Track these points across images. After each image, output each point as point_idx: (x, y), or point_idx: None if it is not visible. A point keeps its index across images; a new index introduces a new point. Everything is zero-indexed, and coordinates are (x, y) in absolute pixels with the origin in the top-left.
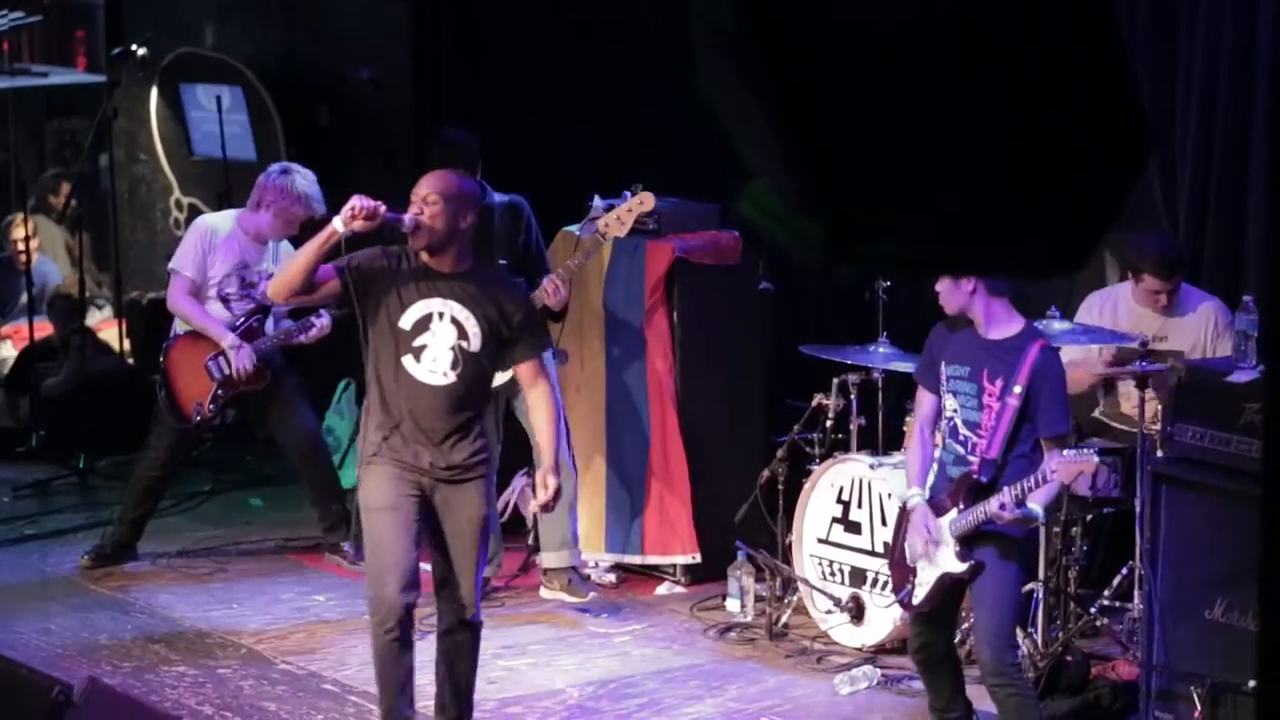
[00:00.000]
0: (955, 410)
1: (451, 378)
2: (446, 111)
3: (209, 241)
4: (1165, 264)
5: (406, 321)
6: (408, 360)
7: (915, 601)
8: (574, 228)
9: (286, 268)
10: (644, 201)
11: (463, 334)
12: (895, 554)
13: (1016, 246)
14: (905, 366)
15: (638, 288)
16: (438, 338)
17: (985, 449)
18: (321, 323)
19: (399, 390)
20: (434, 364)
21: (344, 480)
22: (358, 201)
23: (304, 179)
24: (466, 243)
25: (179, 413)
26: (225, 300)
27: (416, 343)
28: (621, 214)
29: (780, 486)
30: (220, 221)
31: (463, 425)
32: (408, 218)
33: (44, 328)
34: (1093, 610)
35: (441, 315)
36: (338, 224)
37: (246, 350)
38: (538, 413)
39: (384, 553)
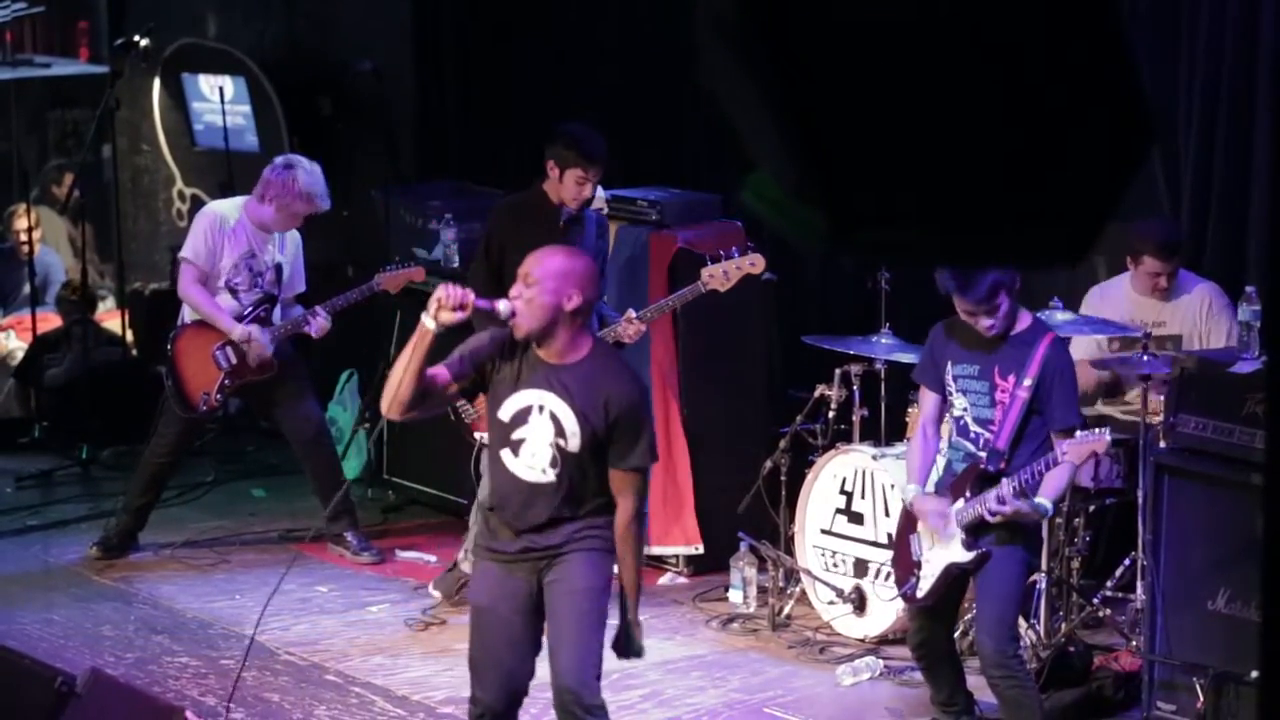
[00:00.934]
0: (965, 409)
1: (550, 476)
2: (449, 102)
3: (218, 230)
4: (1166, 246)
5: (505, 413)
6: (505, 454)
7: (919, 594)
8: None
9: (392, 382)
10: (755, 264)
11: (560, 431)
12: (899, 548)
13: (1018, 236)
14: (908, 357)
15: (641, 279)
16: (536, 432)
17: (994, 440)
18: (319, 321)
19: (500, 481)
20: (533, 460)
21: (347, 471)
22: (444, 292)
23: (307, 174)
24: (579, 327)
25: (185, 401)
26: (234, 291)
27: (515, 436)
28: (730, 269)
29: (783, 477)
30: (229, 210)
31: (566, 519)
32: (503, 304)
33: (47, 319)
34: (1095, 601)
35: (541, 409)
36: (427, 321)
37: (259, 339)
38: (619, 540)
39: (477, 650)
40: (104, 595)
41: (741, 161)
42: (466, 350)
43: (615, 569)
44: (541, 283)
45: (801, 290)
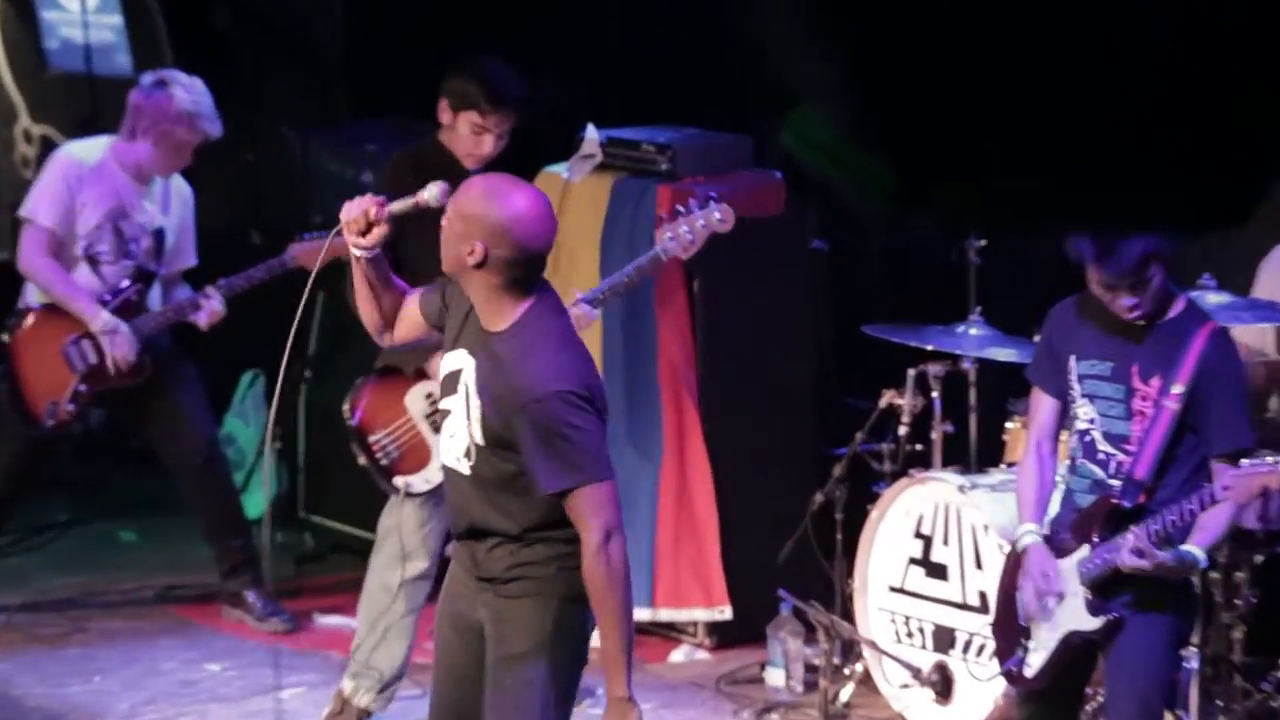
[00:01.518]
0: (1093, 421)
1: (465, 468)
2: (389, 14)
3: (75, 179)
4: None
5: (441, 372)
6: (440, 425)
7: (1028, 674)
8: (559, 168)
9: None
10: (723, 218)
11: (468, 415)
12: (1001, 609)
13: (1162, 195)
14: (1007, 354)
15: (645, 246)
16: (455, 408)
17: (1132, 467)
18: (211, 305)
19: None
20: (451, 441)
21: (249, 507)
22: (345, 213)
23: (186, 91)
24: (497, 287)
25: (26, 413)
26: (94, 261)
27: (443, 404)
28: (693, 227)
29: (838, 515)
30: (88, 153)
31: (501, 537)
32: (431, 189)
33: None
34: (1264, 686)
35: (462, 379)
36: (353, 250)
37: (124, 333)
38: (586, 586)
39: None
40: None
41: (782, 94)
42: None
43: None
44: (450, 220)
45: (862, 265)
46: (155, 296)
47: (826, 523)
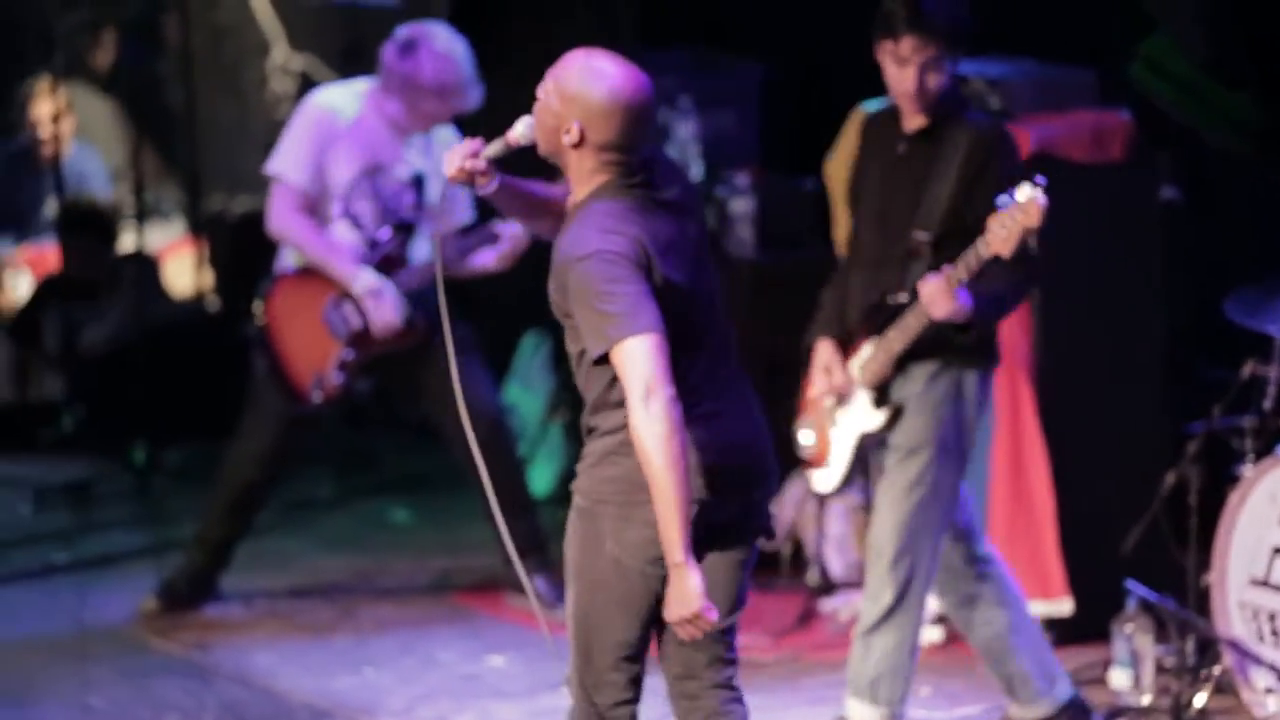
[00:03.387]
0: None
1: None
2: None
3: (328, 133)
4: None
5: None
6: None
7: None
8: (874, 105)
9: None
10: (1029, 210)
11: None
12: None
13: None
14: None
15: None
16: None
17: None
18: (511, 232)
19: None
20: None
21: (535, 483)
22: (446, 165)
23: (436, 61)
24: (589, 171)
25: (289, 388)
26: (355, 222)
27: None
28: (1005, 221)
29: (1192, 499)
30: (343, 101)
31: (590, 430)
32: (520, 125)
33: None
34: None
35: None
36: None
37: (389, 293)
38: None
39: None
40: (168, 668)
41: (1133, 20)
42: None
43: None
44: (547, 95)
45: (1222, 219)
46: (421, 250)
47: (1179, 508)
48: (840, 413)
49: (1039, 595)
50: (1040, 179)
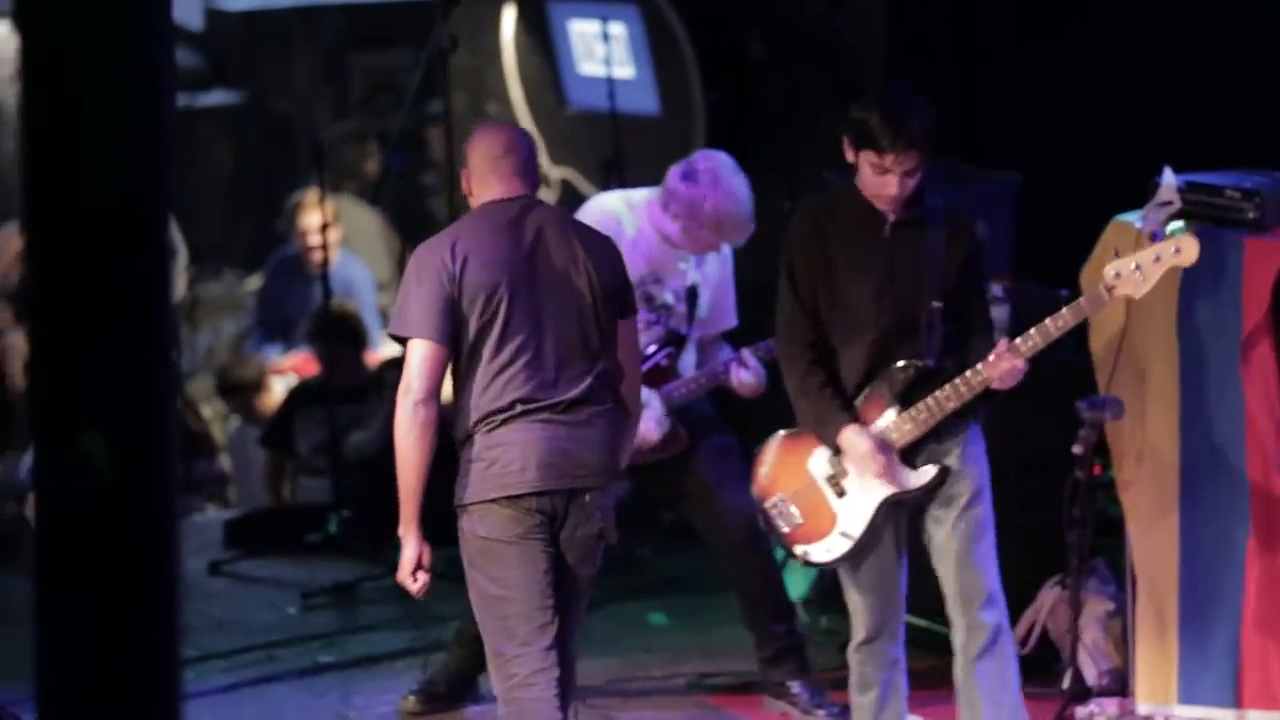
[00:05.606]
0: None
1: None
2: (935, 40)
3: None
4: None
5: None
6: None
7: None
8: (1130, 216)
9: None
10: (1181, 249)
11: None
12: None
13: None
14: None
15: (1230, 306)
16: None
17: None
18: (747, 371)
19: None
20: None
21: (791, 588)
22: None
23: (721, 192)
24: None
25: None
26: None
27: None
28: (1145, 262)
29: None
30: (623, 209)
31: None
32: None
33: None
34: None
35: None
36: None
37: (653, 408)
38: None
39: None
40: None
41: None
42: None
43: None
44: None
45: None
46: (688, 361)
47: None
48: (848, 481)
49: None
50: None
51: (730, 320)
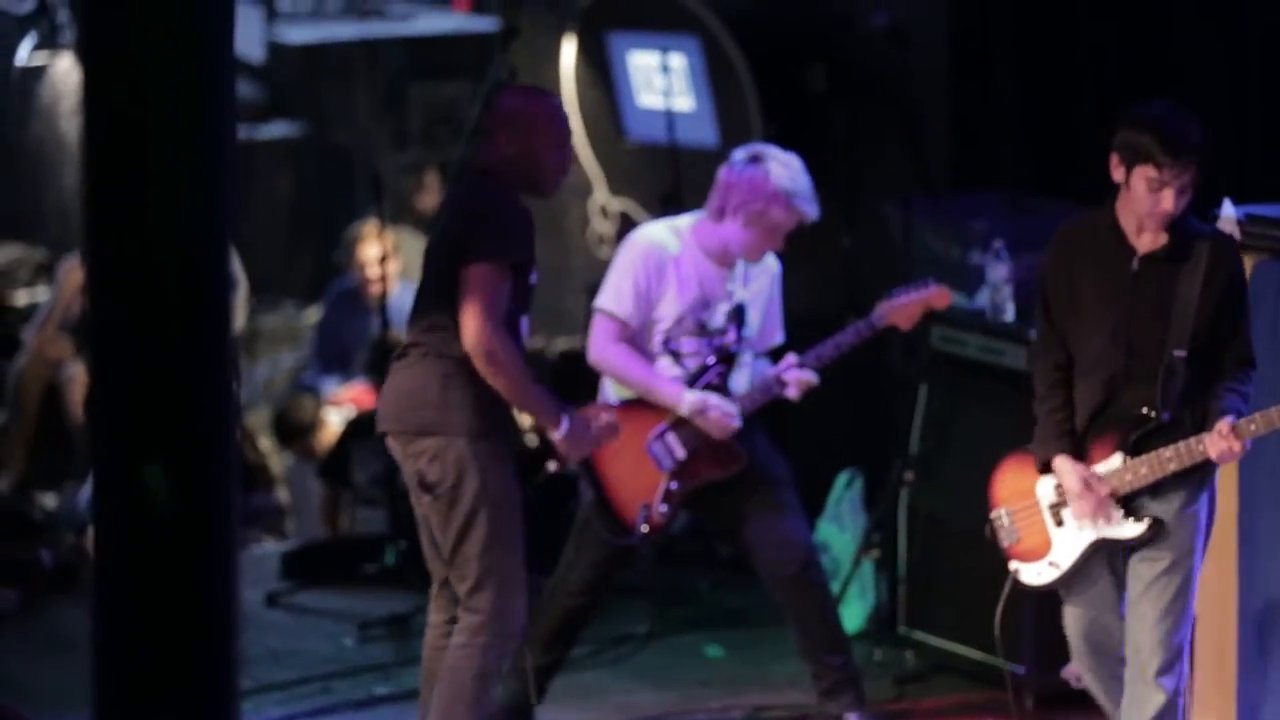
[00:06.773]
0: None
1: None
2: (1003, 75)
3: (655, 268)
4: None
5: None
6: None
7: None
8: None
9: None
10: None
11: None
12: None
13: None
14: None
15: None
16: None
17: None
18: (796, 375)
19: None
20: None
21: (847, 620)
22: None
23: (783, 168)
24: None
25: (615, 519)
26: (676, 355)
27: None
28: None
29: None
30: (668, 237)
31: None
32: None
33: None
34: None
35: None
36: None
37: (716, 404)
38: None
39: None
40: None
41: None
42: None
43: None
44: None
45: None
46: (740, 380)
47: None
48: (1067, 512)
49: None
50: None
51: (778, 337)
